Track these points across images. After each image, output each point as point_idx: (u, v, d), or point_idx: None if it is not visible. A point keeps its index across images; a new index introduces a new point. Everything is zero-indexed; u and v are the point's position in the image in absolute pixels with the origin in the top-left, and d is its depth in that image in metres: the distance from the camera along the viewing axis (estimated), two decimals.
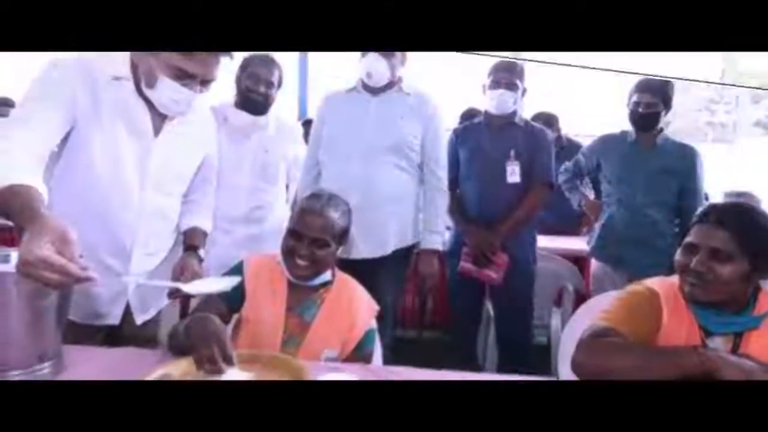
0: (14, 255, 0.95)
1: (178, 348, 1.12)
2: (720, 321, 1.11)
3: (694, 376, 1.01)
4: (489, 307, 2.39)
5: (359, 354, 1.31)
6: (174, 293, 1.27)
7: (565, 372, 1.24)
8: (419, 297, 3.16)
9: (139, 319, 1.38)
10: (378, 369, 1.14)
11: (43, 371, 1.01)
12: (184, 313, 1.59)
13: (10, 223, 0.99)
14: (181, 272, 1.31)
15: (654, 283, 1.20)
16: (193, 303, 1.43)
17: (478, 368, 2.41)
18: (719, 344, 1.11)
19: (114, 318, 1.35)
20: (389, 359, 1.75)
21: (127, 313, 1.36)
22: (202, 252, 1.41)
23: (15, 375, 0.97)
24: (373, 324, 1.36)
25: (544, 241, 2.52)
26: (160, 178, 1.32)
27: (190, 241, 1.41)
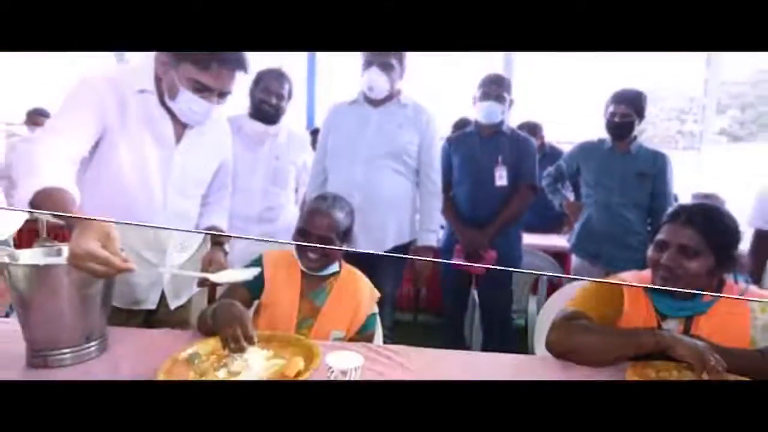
0: (65, 249, 0.97)
1: (206, 329, 1.13)
2: (673, 306, 1.12)
3: (651, 352, 1.03)
4: (474, 293, 2.40)
5: (363, 335, 1.32)
6: (203, 282, 1.28)
7: (540, 350, 1.25)
8: (415, 286, 3.17)
9: (173, 305, 1.39)
10: (378, 348, 1.14)
11: (90, 349, 1.02)
12: (211, 300, 1.60)
13: (62, 223, 0.99)
14: (209, 264, 1.31)
15: (627, 276, 1.20)
16: (220, 291, 1.43)
17: (466, 347, 2.42)
18: (673, 326, 1.12)
19: (151, 303, 1.36)
20: (388, 339, 1.76)
21: (163, 299, 1.37)
22: (227, 247, 1.41)
23: (66, 352, 0.98)
24: (375, 309, 1.37)
25: (528, 239, 2.50)
26: (182, 181, 1.31)
27: (217, 237, 1.41)
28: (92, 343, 1.02)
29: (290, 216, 2.06)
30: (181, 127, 1.27)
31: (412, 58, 1.92)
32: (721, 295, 1.11)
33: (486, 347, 2.29)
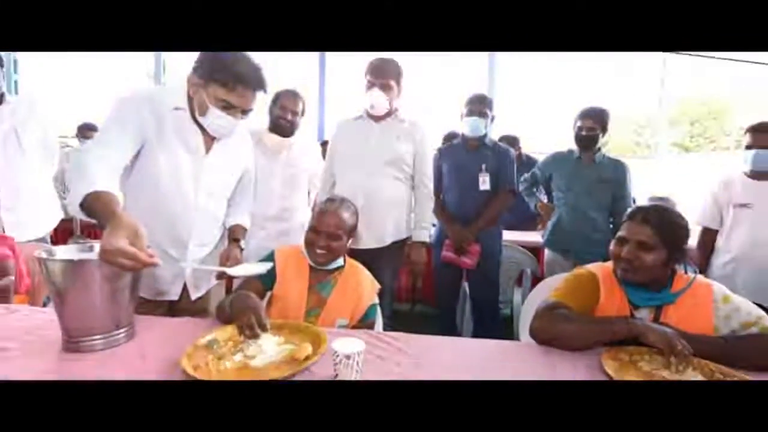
0: (97, 246, 0.96)
1: (224, 318, 1.12)
2: (644, 297, 1.12)
3: (625, 338, 1.02)
4: (465, 286, 2.40)
5: (365, 323, 1.31)
6: (221, 275, 1.27)
7: (525, 336, 1.24)
8: (411, 278, 3.17)
9: (194, 296, 1.39)
10: (379, 334, 1.13)
11: (119, 336, 1.01)
12: (228, 291, 1.59)
13: (94, 221, 0.99)
14: (226, 259, 1.31)
15: (593, 267, 1.21)
16: (236, 283, 1.43)
17: (458, 334, 2.42)
18: (644, 315, 1.12)
19: (174, 295, 1.35)
20: (388, 327, 1.75)
21: (184, 291, 1.37)
22: (242, 243, 1.41)
23: (97, 339, 0.98)
24: (376, 299, 1.36)
25: (508, 235, 2.52)
26: (210, 186, 1.32)
27: (233, 235, 1.41)
28: (121, 330, 1.02)
29: (303, 215, 2.09)
30: (210, 140, 1.29)
31: (408, 79, 1.94)
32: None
33: (476, 334, 2.29)
